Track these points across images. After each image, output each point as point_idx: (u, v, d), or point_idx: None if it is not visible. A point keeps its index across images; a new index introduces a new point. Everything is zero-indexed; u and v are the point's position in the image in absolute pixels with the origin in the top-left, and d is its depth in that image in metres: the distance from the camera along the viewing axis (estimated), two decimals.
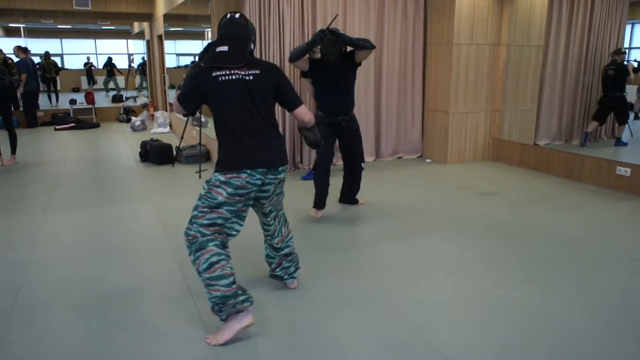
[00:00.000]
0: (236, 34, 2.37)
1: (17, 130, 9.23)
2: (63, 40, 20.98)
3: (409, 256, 3.25)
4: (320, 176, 4.00)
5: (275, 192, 2.44)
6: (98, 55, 21.14)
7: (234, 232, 2.35)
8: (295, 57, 3.75)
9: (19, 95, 9.20)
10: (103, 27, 18.90)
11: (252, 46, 2.42)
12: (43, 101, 13.25)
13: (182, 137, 6.42)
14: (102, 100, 13.99)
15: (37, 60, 12.80)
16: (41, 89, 13.27)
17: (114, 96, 14.31)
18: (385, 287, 2.79)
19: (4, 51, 8.97)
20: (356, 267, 3.06)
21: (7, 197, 4.77)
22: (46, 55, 13.68)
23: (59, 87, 15.26)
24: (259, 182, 2.28)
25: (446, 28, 5.77)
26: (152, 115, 10.11)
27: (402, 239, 3.57)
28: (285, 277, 2.73)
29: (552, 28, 6.10)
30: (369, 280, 2.88)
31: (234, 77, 2.25)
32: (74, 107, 10.45)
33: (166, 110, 9.66)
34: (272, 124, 2.38)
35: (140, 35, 14.14)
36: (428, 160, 6.23)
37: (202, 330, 2.34)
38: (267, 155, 2.31)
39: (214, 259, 2.20)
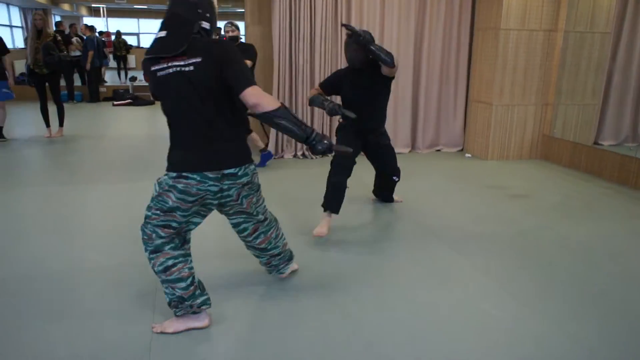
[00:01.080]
0: (176, 13, 1.97)
1: (80, 104, 9.82)
2: (140, 20, 21.92)
3: (405, 259, 2.97)
4: (335, 173, 3.26)
5: (242, 196, 2.13)
6: None
7: (193, 227, 2.17)
8: (310, 104, 3.34)
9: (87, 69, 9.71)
10: (151, 6, 19.52)
11: (202, 25, 1.99)
12: (113, 77, 13.93)
13: None
14: None
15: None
16: (111, 65, 14.01)
17: None
18: (366, 293, 2.55)
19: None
20: (344, 265, 2.84)
21: (45, 168, 4.97)
22: (117, 34, 14.30)
23: (132, 65, 15.97)
24: (213, 188, 2.02)
25: (494, 11, 5.26)
26: None
27: (404, 238, 3.29)
28: (273, 271, 2.61)
29: (626, 13, 5.40)
30: (353, 282, 2.65)
31: (171, 70, 1.91)
32: (134, 84, 10.84)
33: None
34: (229, 119, 2.02)
35: None
36: (467, 155, 5.79)
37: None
38: (219, 157, 2.00)
39: (169, 262, 2.06)
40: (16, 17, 15.44)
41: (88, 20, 20.33)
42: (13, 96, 6.21)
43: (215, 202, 2.11)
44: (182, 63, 1.90)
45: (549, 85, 5.51)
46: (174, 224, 2.05)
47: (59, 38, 6.29)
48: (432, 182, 4.70)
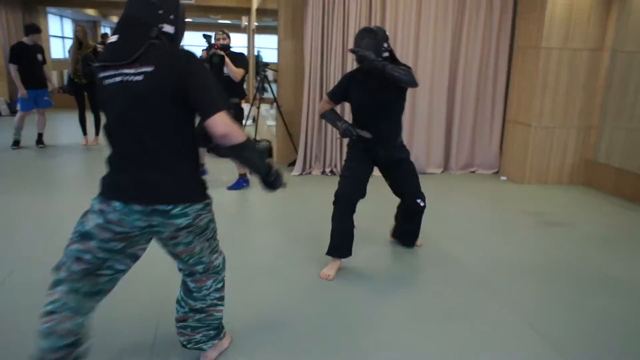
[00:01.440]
0: (133, 15, 1.67)
1: None
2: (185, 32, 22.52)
3: (428, 292, 2.79)
4: (339, 214, 2.91)
5: (178, 242, 1.73)
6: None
7: (111, 273, 1.74)
8: (322, 118, 3.17)
9: None
10: (219, 21, 19.93)
11: (163, 29, 1.66)
12: None
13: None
14: None
15: None
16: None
17: None
18: (386, 329, 2.39)
19: None
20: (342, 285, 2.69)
21: (78, 174, 5.07)
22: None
23: None
24: (140, 223, 1.65)
25: (535, 29, 5.03)
26: None
27: (427, 268, 3.11)
28: (185, 342, 1.96)
29: None
30: (373, 317, 2.50)
31: (117, 79, 1.61)
32: None
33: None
34: (175, 145, 1.66)
35: (246, 29, 14.63)
36: (503, 178, 5.52)
37: None
38: (150, 188, 1.64)
39: (49, 307, 1.66)
40: (69, 29, 16.13)
41: None
42: (52, 104, 6.40)
43: (144, 239, 1.78)
44: (131, 71, 1.59)
45: (593, 108, 5.20)
46: (87, 257, 1.67)
47: (99, 49, 6.45)
48: (464, 205, 4.49)
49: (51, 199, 4.21)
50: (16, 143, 6.16)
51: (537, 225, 3.98)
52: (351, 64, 5.21)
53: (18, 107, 6.31)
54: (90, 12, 14.63)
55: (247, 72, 4.59)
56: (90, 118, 6.56)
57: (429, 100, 5.46)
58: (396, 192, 3.15)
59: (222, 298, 1.97)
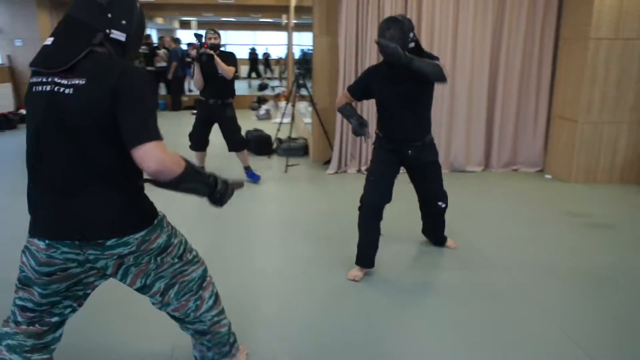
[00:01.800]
0: (75, 17, 1.44)
1: (163, 112, 10.30)
2: (228, 31, 22.84)
3: (461, 296, 2.68)
4: (365, 221, 2.82)
5: (123, 268, 1.51)
6: (257, 46, 22.66)
7: (55, 319, 1.56)
8: (338, 112, 3.02)
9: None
10: (260, 20, 20.11)
11: (111, 35, 1.45)
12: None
13: (278, 130, 6.38)
14: (245, 88, 14.88)
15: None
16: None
17: (259, 85, 15.13)
18: (412, 341, 2.30)
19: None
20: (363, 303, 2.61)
21: None
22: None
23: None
24: (74, 257, 1.45)
25: (583, 18, 4.75)
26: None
27: (462, 271, 2.98)
28: (199, 358, 1.85)
29: None
30: (402, 328, 2.41)
31: (47, 87, 1.38)
32: None
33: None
34: (106, 170, 1.42)
35: (286, 28, 14.69)
36: (547, 176, 5.26)
37: None
38: (75, 221, 1.41)
39: None
40: None
41: (180, 33, 21.54)
42: None
43: (91, 274, 1.56)
44: (63, 82, 1.36)
45: None
46: (30, 305, 1.50)
47: (141, 51, 6.60)
48: (504, 205, 4.30)
49: None
50: None
51: (583, 227, 3.75)
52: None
53: None
54: None
55: (236, 71, 4.63)
56: None
57: (468, 94, 5.27)
58: (418, 192, 3.06)
59: (220, 312, 1.78)
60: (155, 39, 12.15)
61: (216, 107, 4.60)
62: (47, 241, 1.43)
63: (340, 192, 4.60)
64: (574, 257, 3.17)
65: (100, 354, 2.09)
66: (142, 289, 1.59)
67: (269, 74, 18.11)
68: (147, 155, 1.33)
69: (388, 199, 2.82)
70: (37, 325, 1.52)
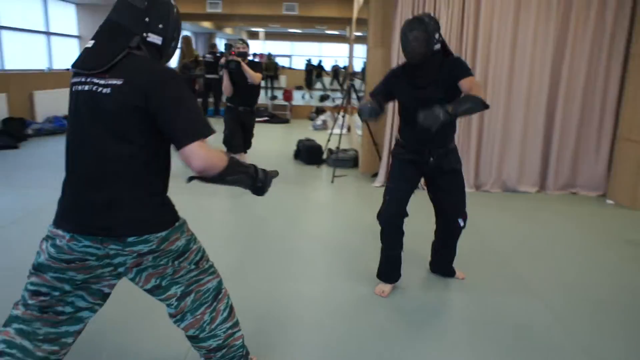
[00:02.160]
0: (114, 21, 1.52)
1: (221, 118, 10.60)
2: (294, 42, 23.35)
3: (497, 326, 2.55)
4: (385, 236, 2.72)
5: (141, 268, 1.55)
6: (322, 57, 23.00)
7: (70, 310, 1.56)
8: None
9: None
10: (326, 32, 20.41)
11: (148, 39, 1.52)
12: (262, 95, 14.92)
13: (328, 140, 6.39)
14: (300, 98, 15.07)
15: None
16: (262, 85, 15.07)
17: (321, 96, 15.32)
18: None
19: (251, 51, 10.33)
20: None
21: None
22: (268, 56, 15.36)
23: (283, 84, 17.07)
24: (94, 251, 1.49)
25: None
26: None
27: (499, 298, 2.84)
28: None
29: None
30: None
31: (86, 87, 1.46)
32: (273, 102, 11.45)
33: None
34: (136, 170, 1.48)
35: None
36: (609, 202, 4.91)
37: None
38: (100, 216, 1.46)
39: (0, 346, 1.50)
40: None
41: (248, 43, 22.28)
42: None
43: (108, 273, 1.58)
44: (100, 82, 1.44)
45: None
46: (43, 290, 1.52)
47: (200, 58, 6.88)
48: (558, 229, 4.05)
49: None
50: None
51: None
52: None
53: None
54: (206, 24, 15.73)
55: (263, 78, 4.79)
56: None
57: (525, 109, 5.04)
58: (436, 205, 2.81)
59: (235, 324, 1.77)
60: (222, 48, 12.62)
61: (245, 113, 4.85)
62: (71, 233, 1.48)
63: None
64: (628, 293, 2.93)
65: (115, 352, 2.16)
66: (154, 290, 1.60)
67: (335, 85, 18.26)
68: (193, 155, 1.41)
69: (404, 214, 2.69)
70: (50, 312, 1.53)
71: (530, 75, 4.98)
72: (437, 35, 2.46)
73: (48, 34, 8.75)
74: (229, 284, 1.83)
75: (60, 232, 1.49)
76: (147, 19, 1.51)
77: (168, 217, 1.57)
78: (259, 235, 3.69)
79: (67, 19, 9.04)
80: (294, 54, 23.58)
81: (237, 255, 3.24)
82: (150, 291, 1.61)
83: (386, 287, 2.77)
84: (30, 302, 1.52)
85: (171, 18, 1.56)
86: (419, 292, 2.83)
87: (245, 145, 5.02)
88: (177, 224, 1.58)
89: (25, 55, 8.26)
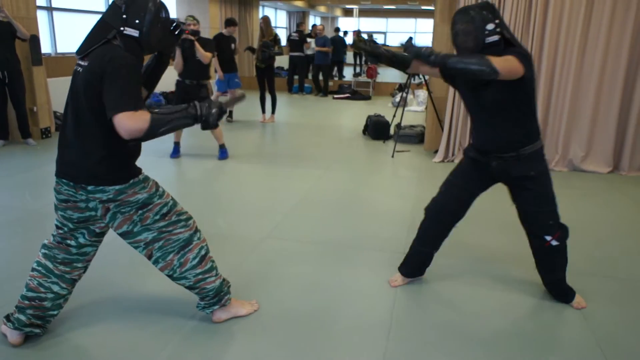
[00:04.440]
0: (102, 18, 1.90)
1: (308, 96, 11.01)
2: (389, 19, 23.06)
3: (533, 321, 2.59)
4: (424, 228, 2.55)
5: (114, 211, 1.91)
6: (417, 34, 22.49)
7: (75, 243, 2.04)
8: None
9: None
10: (422, 7, 19.90)
11: (124, 32, 1.85)
12: (348, 73, 15.12)
13: (394, 116, 6.47)
14: (390, 75, 14.94)
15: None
16: (348, 62, 15.22)
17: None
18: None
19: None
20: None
21: (246, 144, 5.91)
22: (357, 33, 15.43)
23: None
24: (73, 193, 1.88)
25: None
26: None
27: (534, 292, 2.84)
28: (197, 305, 2.26)
29: None
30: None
31: (76, 68, 1.89)
32: (356, 79, 11.60)
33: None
34: (94, 131, 1.84)
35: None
36: None
37: None
38: (67, 164, 1.89)
39: (33, 265, 2.06)
40: (282, 19, 18.10)
41: (342, 21, 22.41)
42: (240, 85, 7.40)
43: (92, 214, 1.95)
44: (82, 63, 1.84)
45: None
46: (59, 224, 2.01)
47: (279, 37, 7.22)
48: (626, 216, 3.79)
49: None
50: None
51: None
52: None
53: (215, 88, 7.50)
54: (299, 3, 16.13)
55: (214, 55, 4.98)
56: (268, 98, 7.43)
57: (597, 85, 4.75)
58: (521, 220, 2.41)
59: (207, 271, 2.09)
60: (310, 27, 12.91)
61: (191, 86, 4.95)
62: (57, 178, 1.92)
63: (438, 181, 4.57)
64: None
65: (124, 300, 2.57)
66: (127, 235, 1.97)
67: None
68: (117, 125, 1.72)
69: (455, 215, 2.47)
70: (64, 243, 2.03)
71: (605, 47, 4.68)
72: (490, 26, 2.12)
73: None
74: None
75: (55, 178, 1.94)
76: (124, 16, 1.85)
77: (122, 174, 1.90)
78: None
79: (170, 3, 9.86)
80: (389, 31, 23.31)
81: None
82: (122, 235, 1.98)
83: (399, 278, 2.66)
84: (54, 233, 2.05)
85: (147, 14, 1.86)
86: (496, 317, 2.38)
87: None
88: (132, 180, 1.91)
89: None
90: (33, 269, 2.04)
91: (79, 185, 1.87)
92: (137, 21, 1.86)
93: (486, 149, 2.31)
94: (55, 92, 6.11)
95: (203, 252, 2.09)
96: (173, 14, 10.01)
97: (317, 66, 10.77)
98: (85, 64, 1.82)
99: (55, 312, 2.08)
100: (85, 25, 7.64)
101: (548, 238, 2.29)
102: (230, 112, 7.47)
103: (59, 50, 7.22)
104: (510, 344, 2.14)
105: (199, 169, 4.91)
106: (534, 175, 2.26)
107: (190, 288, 2.11)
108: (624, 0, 4.59)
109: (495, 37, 2.13)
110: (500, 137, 2.26)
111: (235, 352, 2.08)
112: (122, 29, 1.85)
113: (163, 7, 1.94)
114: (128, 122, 1.70)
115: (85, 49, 1.84)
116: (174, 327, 2.20)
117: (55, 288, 2.03)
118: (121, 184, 1.89)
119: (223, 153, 5.24)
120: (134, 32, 1.86)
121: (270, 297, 2.47)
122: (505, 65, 1.98)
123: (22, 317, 2.01)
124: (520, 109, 2.22)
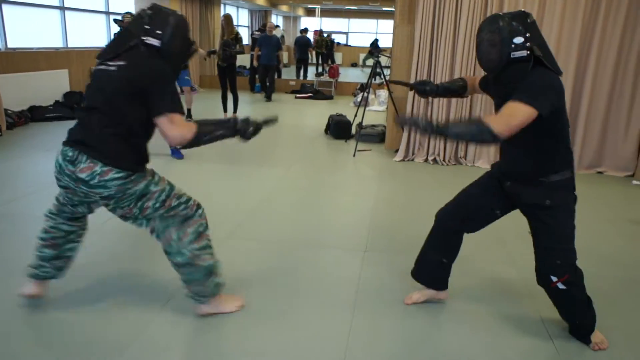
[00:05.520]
0: (127, 28, 2.09)
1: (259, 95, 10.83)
2: (350, 19, 23.23)
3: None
4: (431, 236, 2.40)
5: (111, 207, 2.03)
6: (378, 34, 22.74)
7: (79, 214, 2.21)
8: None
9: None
10: (383, 9, 20.15)
11: (146, 41, 1.99)
12: (311, 72, 15.14)
13: (355, 115, 6.55)
14: (351, 75, 15.11)
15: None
16: (312, 61, 15.25)
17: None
18: None
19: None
20: None
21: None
22: (319, 33, 15.49)
23: (339, 62, 17.17)
24: (73, 186, 1.96)
25: None
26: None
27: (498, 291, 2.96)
28: (187, 294, 2.25)
29: None
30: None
31: (101, 67, 2.00)
32: (318, 79, 11.66)
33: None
34: (116, 127, 1.95)
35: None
36: (635, 182, 4.80)
37: None
38: (77, 137, 1.97)
39: (41, 234, 2.19)
40: (244, 18, 17.96)
41: (305, 21, 22.42)
42: (190, 83, 7.23)
43: (91, 200, 2.07)
44: (109, 63, 1.96)
45: None
46: (61, 199, 2.15)
47: (240, 36, 7.17)
48: (579, 212, 4.00)
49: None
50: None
51: None
52: (461, 54, 5.01)
53: None
54: (261, 2, 16.05)
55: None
56: (230, 97, 7.35)
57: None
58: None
59: (203, 248, 2.12)
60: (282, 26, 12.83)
61: None
62: (62, 146, 1.99)
63: (399, 180, 4.68)
64: (623, 270, 2.96)
65: (110, 280, 2.53)
66: (127, 219, 2.10)
67: (369, 63, 18.06)
68: (162, 123, 1.91)
69: (466, 225, 2.31)
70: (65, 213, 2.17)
71: (557, 51, 4.89)
72: (518, 40, 1.91)
73: (108, 13, 9.40)
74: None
75: (60, 149, 1.99)
76: (147, 27, 2.00)
77: (129, 163, 1.96)
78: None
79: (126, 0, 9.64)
80: (351, 31, 23.48)
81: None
82: (125, 220, 2.11)
83: (416, 295, 2.47)
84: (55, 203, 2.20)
85: (169, 27, 2.01)
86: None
87: None
88: (133, 177, 1.96)
89: (86, 33, 8.93)
90: (40, 239, 2.18)
91: (80, 179, 1.90)
92: (158, 32, 1.99)
93: (507, 168, 2.15)
94: (6, 90, 5.86)
95: (201, 229, 2.14)
96: (132, 11, 9.82)
97: (264, 66, 10.03)
98: (122, 63, 1.93)
99: (71, 248, 2.23)
100: (38, 19, 7.68)
101: (554, 279, 2.05)
102: (189, 110, 7.35)
103: (9, 45, 6.93)
104: None
105: (156, 168, 4.81)
106: (548, 206, 2.03)
107: (182, 265, 2.10)
108: (571, 16, 4.80)
109: (523, 53, 1.91)
110: (521, 160, 2.08)
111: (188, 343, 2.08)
112: (144, 38, 1.98)
113: (183, 22, 2.08)
114: (177, 128, 1.91)
115: (112, 52, 1.98)
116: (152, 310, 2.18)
117: (65, 227, 2.18)
118: (124, 170, 1.93)
119: (176, 152, 5.10)
120: (156, 42, 1.99)
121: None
122: (509, 121, 1.83)
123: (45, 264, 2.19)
124: (534, 136, 1.96)
